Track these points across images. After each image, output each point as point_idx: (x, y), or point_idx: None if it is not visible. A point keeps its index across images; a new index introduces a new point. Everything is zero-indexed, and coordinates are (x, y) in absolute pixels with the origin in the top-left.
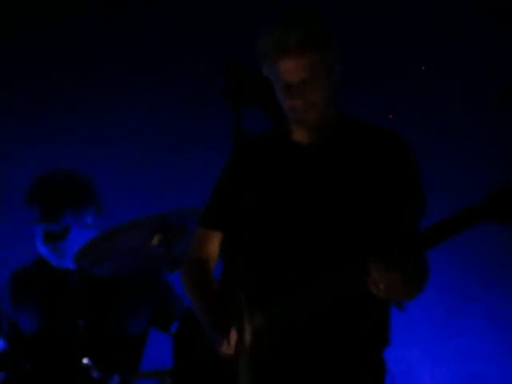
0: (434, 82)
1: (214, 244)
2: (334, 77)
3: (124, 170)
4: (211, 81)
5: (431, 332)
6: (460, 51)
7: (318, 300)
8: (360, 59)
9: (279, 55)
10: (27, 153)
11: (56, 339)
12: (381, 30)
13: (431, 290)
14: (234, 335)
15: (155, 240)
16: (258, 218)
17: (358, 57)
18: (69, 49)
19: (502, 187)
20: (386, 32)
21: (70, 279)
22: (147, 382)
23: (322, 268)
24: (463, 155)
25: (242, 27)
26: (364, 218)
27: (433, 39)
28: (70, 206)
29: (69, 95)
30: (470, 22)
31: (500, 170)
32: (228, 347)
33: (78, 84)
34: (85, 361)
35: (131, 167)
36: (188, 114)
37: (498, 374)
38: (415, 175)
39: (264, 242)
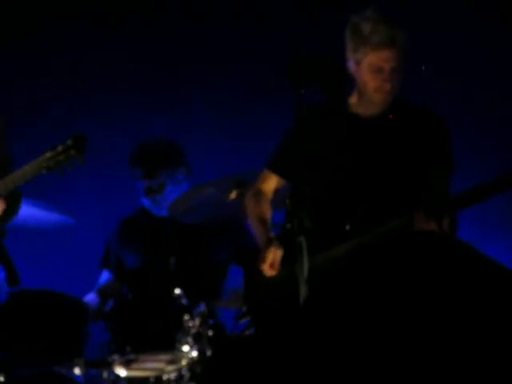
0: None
1: (271, 183)
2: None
3: (209, 138)
4: (277, 65)
5: None
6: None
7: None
8: None
9: (381, 46)
10: (128, 121)
11: (153, 273)
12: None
13: None
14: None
15: (233, 195)
16: (321, 172)
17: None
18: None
19: None
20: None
21: (164, 225)
22: (227, 308)
23: (376, 219)
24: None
25: (303, 17)
26: (409, 178)
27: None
28: (165, 166)
29: (171, 74)
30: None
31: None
32: (270, 264)
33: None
34: (177, 291)
35: (215, 136)
36: (260, 93)
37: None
38: (448, 145)
39: (324, 194)
